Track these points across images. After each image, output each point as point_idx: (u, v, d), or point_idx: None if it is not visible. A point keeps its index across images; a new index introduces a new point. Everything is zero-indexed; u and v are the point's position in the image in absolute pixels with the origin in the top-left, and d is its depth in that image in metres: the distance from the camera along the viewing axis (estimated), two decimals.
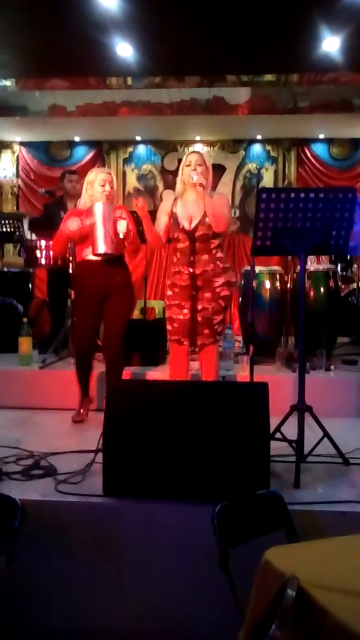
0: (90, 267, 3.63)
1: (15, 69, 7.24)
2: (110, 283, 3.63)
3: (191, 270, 3.45)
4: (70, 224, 3.56)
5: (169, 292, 3.56)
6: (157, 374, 4.30)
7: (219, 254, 3.51)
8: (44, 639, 2.40)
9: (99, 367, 3.95)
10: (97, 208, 3.49)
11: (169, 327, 3.55)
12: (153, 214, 5.04)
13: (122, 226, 3.48)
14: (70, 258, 4.53)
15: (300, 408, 2.79)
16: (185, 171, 3.47)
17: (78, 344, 3.83)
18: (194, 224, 3.44)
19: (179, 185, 3.54)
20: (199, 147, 8.54)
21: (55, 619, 2.42)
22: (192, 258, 3.45)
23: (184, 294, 3.48)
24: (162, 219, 3.53)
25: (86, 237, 3.56)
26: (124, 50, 6.32)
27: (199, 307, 3.46)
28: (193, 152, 3.61)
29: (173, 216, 3.48)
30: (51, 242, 4.74)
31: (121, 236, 3.48)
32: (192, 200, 3.48)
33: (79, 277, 3.76)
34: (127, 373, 4.13)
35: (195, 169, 3.41)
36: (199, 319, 3.46)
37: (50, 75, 7.40)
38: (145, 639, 2.35)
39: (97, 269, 3.61)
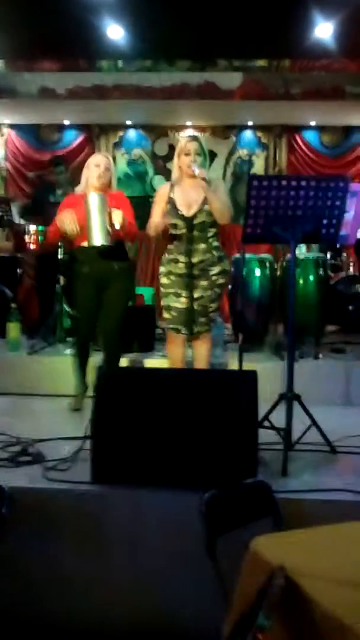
0: (89, 254, 3.58)
1: (4, 50, 7.12)
2: (108, 271, 3.59)
3: (188, 259, 3.42)
4: (67, 225, 3.44)
5: (165, 280, 3.50)
6: (151, 360, 4.30)
7: (216, 243, 3.48)
8: (32, 625, 2.40)
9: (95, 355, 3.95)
10: (91, 199, 3.41)
11: (166, 315, 3.52)
12: (143, 199, 5.00)
13: (117, 216, 3.42)
14: (60, 244, 4.49)
15: (289, 396, 2.79)
16: (184, 160, 3.39)
17: (78, 331, 3.81)
18: (192, 212, 3.39)
19: (175, 172, 3.49)
20: (190, 132, 8.46)
21: (44, 606, 2.43)
22: (189, 246, 3.41)
23: (180, 282, 3.45)
24: (159, 208, 3.48)
25: (82, 228, 3.48)
26: (115, 32, 6.24)
27: (196, 295, 3.44)
28: (191, 139, 3.46)
29: (171, 202, 3.43)
30: (42, 229, 4.71)
31: (117, 227, 3.43)
32: (190, 187, 3.42)
33: (78, 264, 3.69)
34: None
35: (195, 160, 3.35)
36: (196, 307, 3.44)
37: (40, 57, 7.29)
38: (133, 626, 2.36)
39: (96, 257, 3.56)
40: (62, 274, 4.48)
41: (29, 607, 2.41)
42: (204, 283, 3.42)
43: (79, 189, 3.69)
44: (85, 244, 3.53)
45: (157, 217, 3.49)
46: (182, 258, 3.42)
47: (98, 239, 3.42)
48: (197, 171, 3.30)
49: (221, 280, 3.48)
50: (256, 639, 1.24)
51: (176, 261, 3.44)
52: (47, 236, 4.60)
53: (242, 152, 8.51)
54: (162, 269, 3.54)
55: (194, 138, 3.49)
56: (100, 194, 3.46)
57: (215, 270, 3.44)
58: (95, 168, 3.57)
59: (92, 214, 3.40)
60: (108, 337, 3.67)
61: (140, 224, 5.12)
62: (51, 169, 5.27)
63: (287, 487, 2.44)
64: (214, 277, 3.44)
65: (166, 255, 3.51)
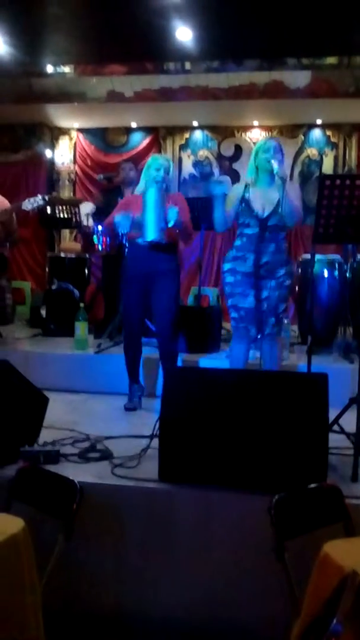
0: (139, 250, 3.66)
1: (74, 55, 7.26)
2: (155, 269, 3.64)
3: (256, 258, 3.40)
4: (123, 224, 3.53)
5: (231, 279, 3.47)
6: (211, 361, 4.30)
7: (285, 245, 3.47)
8: (94, 618, 2.44)
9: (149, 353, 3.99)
10: (149, 194, 3.50)
11: (234, 315, 3.50)
12: (208, 200, 5.01)
13: (172, 214, 3.48)
14: (127, 245, 4.55)
15: None
16: (262, 157, 3.39)
17: (125, 327, 3.88)
18: (267, 213, 3.37)
19: (252, 172, 3.48)
20: (256, 132, 8.39)
21: (107, 600, 2.46)
22: (259, 246, 3.40)
23: (246, 282, 3.43)
24: (233, 206, 3.47)
25: (136, 224, 3.55)
26: (183, 34, 6.26)
27: (263, 295, 3.41)
28: (271, 138, 3.55)
29: (245, 202, 3.42)
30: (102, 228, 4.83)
31: (170, 224, 3.49)
32: (266, 187, 3.41)
33: (127, 259, 3.81)
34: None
35: (274, 157, 3.34)
36: (264, 307, 3.42)
37: (108, 61, 7.40)
38: (196, 627, 2.36)
39: (144, 254, 3.64)
40: (123, 271, 4.54)
41: (92, 599, 2.45)
42: (271, 283, 3.40)
43: (138, 190, 3.76)
44: (139, 240, 3.60)
45: (231, 212, 3.48)
46: (250, 256, 3.40)
47: (152, 234, 3.49)
48: (275, 167, 3.28)
49: (288, 282, 3.44)
50: None
51: (244, 259, 3.42)
52: (102, 230, 4.74)
53: (311, 152, 8.36)
54: (227, 266, 3.51)
55: (274, 139, 3.53)
56: (159, 191, 3.53)
57: (282, 271, 3.41)
58: (155, 172, 3.65)
59: (148, 209, 3.48)
60: (161, 337, 3.73)
61: (206, 225, 5.15)
62: (119, 170, 5.32)
63: (358, 492, 2.38)
64: (281, 279, 3.41)
65: (233, 251, 3.49)
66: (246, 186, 3.47)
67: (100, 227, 4.87)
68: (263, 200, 3.39)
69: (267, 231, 3.37)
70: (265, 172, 3.39)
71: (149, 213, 3.48)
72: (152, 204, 3.48)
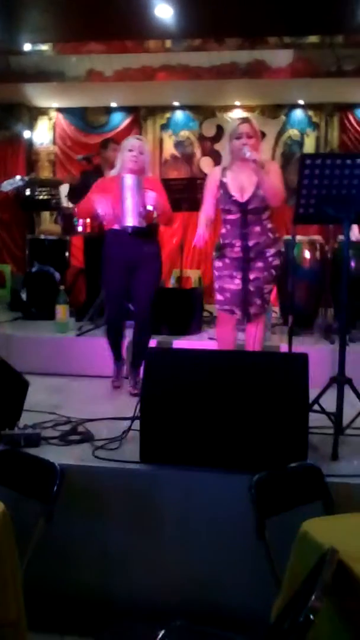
0: (119, 237, 3.62)
1: (52, 33, 7.13)
2: (138, 254, 3.62)
3: (243, 242, 3.38)
4: (101, 206, 3.51)
5: (219, 264, 3.47)
6: (193, 342, 4.30)
7: (270, 225, 3.45)
8: (79, 600, 2.45)
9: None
10: (126, 180, 3.46)
11: (219, 297, 3.50)
12: (190, 181, 4.98)
13: (150, 199, 3.45)
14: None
15: (340, 380, 2.74)
16: (235, 144, 3.35)
17: (108, 311, 3.87)
18: (246, 196, 3.35)
19: (226, 158, 3.45)
20: (238, 112, 8.31)
21: (91, 582, 2.47)
22: (244, 230, 3.38)
23: (235, 265, 3.42)
24: (210, 196, 3.45)
25: (115, 211, 3.52)
26: (163, 11, 6.17)
27: (251, 276, 3.40)
28: (242, 121, 3.44)
29: (223, 187, 3.40)
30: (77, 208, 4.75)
31: (150, 208, 3.47)
32: (243, 171, 3.37)
33: (107, 246, 3.73)
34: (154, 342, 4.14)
35: (246, 143, 3.30)
36: (251, 288, 3.41)
37: (87, 39, 7.27)
38: (180, 606, 2.38)
39: (126, 240, 3.60)
40: (102, 256, 4.50)
41: (76, 581, 2.45)
42: (259, 265, 3.40)
43: (113, 172, 3.73)
44: (116, 226, 3.57)
45: (208, 205, 3.47)
46: (237, 242, 3.38)
47: (131, 220, 3.46)
48: (248, 154, 3.25)
49: (276, 262, 3.44)
50: (308, 620, 1.23)
51: (232, 245, 3.41)
52: (77, 212, 4.63)
53: (292, 132, 8.32)
54: (216, 253, 3.51)
55: (245, 120, 3.45)
56: (136, 176, 3.49)
57: (270, 251, 3.41)
58: (128, 152, 3.59)
59: (126, 195, 3.44)
60: (139, 319, 3.72)
61: (188, 206, 5.11)
62: (101, 152, 5.26)
63: (338, 471, 2.40)
64: (270, 259, 3.41)
65: (220, 240, 3.48)
66: (223, 170, 3.44)
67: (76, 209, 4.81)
68: (241, 183, 3.36)
69: (249, 214, 3.35)
70: (240, 158, 3.35)
71: (127, 199, 3.44)
72: (130, 190, 3.44)
